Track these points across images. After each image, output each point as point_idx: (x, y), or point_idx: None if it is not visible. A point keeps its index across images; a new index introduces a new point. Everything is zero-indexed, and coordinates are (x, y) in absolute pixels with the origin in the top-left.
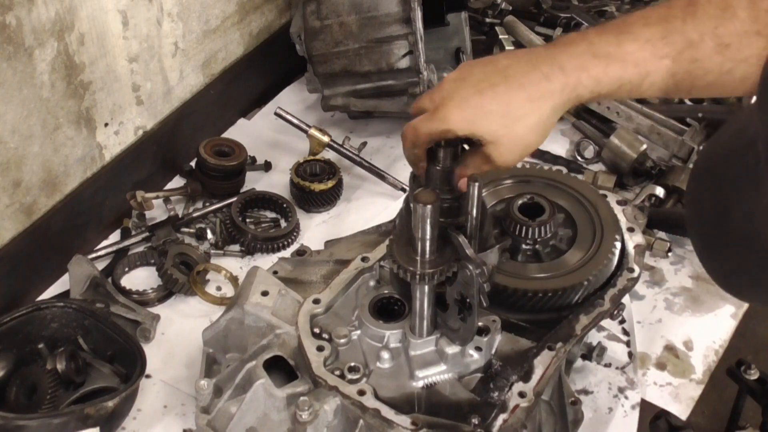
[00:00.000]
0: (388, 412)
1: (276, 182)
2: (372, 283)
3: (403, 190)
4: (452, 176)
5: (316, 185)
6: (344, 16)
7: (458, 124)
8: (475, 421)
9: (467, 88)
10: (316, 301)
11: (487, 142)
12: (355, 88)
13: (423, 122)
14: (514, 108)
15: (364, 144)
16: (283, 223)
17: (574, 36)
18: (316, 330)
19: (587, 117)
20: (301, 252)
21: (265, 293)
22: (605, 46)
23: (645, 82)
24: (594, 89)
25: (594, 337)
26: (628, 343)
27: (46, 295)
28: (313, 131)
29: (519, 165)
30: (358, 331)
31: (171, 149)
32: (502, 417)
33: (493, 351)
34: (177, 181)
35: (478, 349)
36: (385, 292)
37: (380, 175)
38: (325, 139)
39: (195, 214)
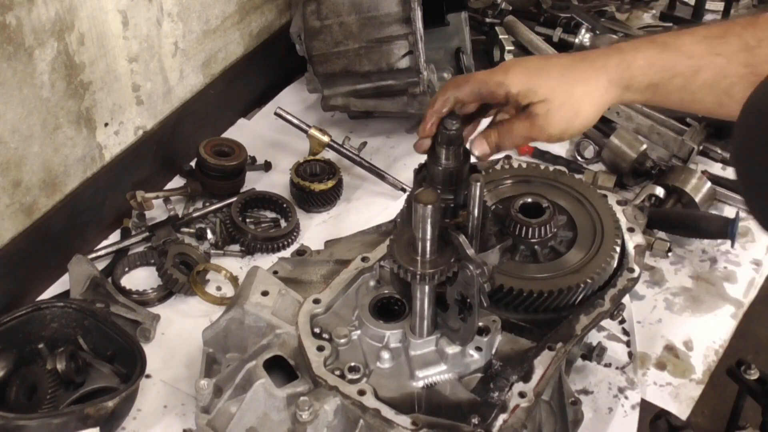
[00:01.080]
0: (388, 412)
1: (276, 182)
2: (372, 283)
3: (403, 190)
4: (454, 176)
5: (316, 185)
6: (344, 16)
7: (516, 77)
8: (475, 421)
9: (529, 59)
10: (316, 301)
11: (540, 101)
12: (355, 88)
13: (480, 72)
14: (576, 72)
15: (364, 144)
16: (283, 223)
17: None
18: (317, 330)
19: None
20: (301, 252)
21: (265, 293)
22: (664, 37)
23: (698, 78)
24: (647, 72)
25: (594, 337)
26: (628, 343)
27: (46, 295)
28: (313, 131)
29: (517, 164)
30: (358, 331)
31: (171, 149)
32: (502, 417)
33: (494, 351)
34: (177, 181)
35: (479, 349)
36: (385, 292)
37: (380, 175)
38: (325, 139)
39: (195, 214)
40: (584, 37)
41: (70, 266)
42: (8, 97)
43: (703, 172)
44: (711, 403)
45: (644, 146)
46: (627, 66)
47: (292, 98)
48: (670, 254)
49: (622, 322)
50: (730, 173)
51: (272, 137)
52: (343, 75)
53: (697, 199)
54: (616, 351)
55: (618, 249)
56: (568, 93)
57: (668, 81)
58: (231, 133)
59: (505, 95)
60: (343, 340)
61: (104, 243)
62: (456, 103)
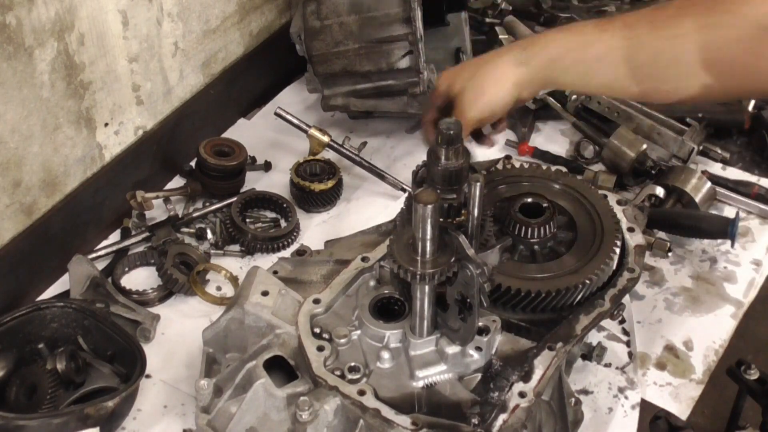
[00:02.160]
0: (388, 412)
1: (276, 182)
2: (372, 283)
3: (403, 190)
4: (454, 176)
5: (316, 185)
6: (344, 16)
7: (443, 78)
8: (475, 421)
9: (455, 68)
10: (316, 301)
11: (458, 90)
12: (355, 88)
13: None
14: (483, 60)
15: (364, 144)
16: (283, 223)
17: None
18: (317, 330)
19: (587, 117)
20: (301, 252)
21: (265, 293)
22: (560, 28)
23: (589, 52)
24: (544, 48)
25: (594, 337)
26: (628, 343)
27: (46, 295)
28: (313, 131)
29: (518, 165)
30: (358, 331)
31: (171, 149)
32: (502, 417)
33: (494, 351)
34: (177, 181)
35: (479, 349)
36: (385, 292)
37: (380, 175)
38: (325, 139)
39: (195, 214)
40: None
41: (70, 266)
42: (8, 97)
43: (703, 172)
44: (711, 403)
45: (644, 146)
46: (526, 45)
47: (292, 98)
48: (670, 254)
49: (622, 322)
50: (730, 173)
51: (272, 137)
52: (343, 75)
53: (697, 199)
54: (616, 351)
55: (618, 249)
56: (477, 78)
57: (564, 55)
58: (231, 133)
59: (443, 96)
60: (343, 340)
61: (104, 243)
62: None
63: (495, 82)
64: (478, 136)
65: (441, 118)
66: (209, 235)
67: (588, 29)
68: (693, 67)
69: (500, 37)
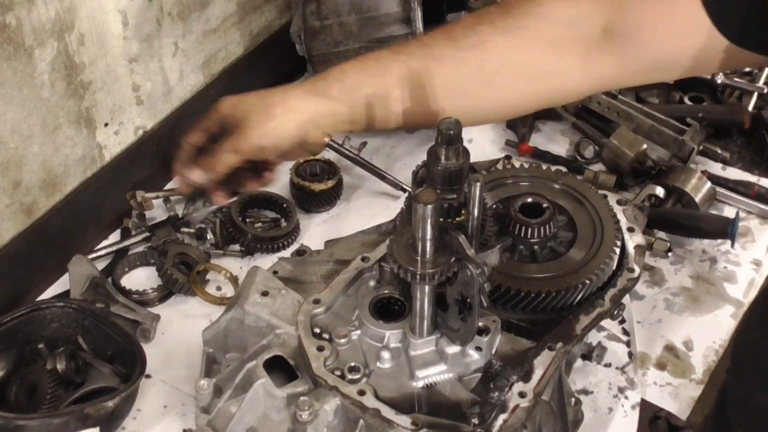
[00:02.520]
0: (388, 412)
1: (276, 182)
2: (372, 283)
3: (403, 190)
4: (454, 176)
5: (316, 185)
6: (344, 16)
7: (225, 103)
8: (475, 421)
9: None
10: (316, 301)
11: (242, 117)
12: None
13: (202, 116)
14: (273, 90)
15: (364, 144)
16: (283, 223)
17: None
18: (317, 330)
19: (587, 117)
20: (301, 252)
21: (265, 293)
22: (357, 58)
23: (389, 76)
24: (341, 78)
25: (594, 337)
26: (628, 343)
27: (46, 295)
28: None
29: (519, 165)
30: (358, 331)
31: (171, 149)
32: (502, 417)
33: (494, 351)
34: (177, 181)
35: (479, 349)
36: (385, 292)
37: (380, 175)
38: (326, 139)
39: (195, 214)
40: None
41: (70, 266)
42: (8, 97)
43: (703, 172)
44: (711, 403)
45: (644, 146)
46: (323, 77)
47: None
48: (670, 254)
49: (622, 322)
50: (730, 173)
51: None
52: None
53: (697, 199)
54: (616, 351)
55: (618, 249)
56: (267, 100)
57: (361, 82)
58: None
59: (221, 120)
60: (343, 340)
61: (104, 243)
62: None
63: (286, 109)
64: (254, 170)
65: (207, 147)
66: (209, 235)
67: (383, 54)
68: (498, 75)
69: None
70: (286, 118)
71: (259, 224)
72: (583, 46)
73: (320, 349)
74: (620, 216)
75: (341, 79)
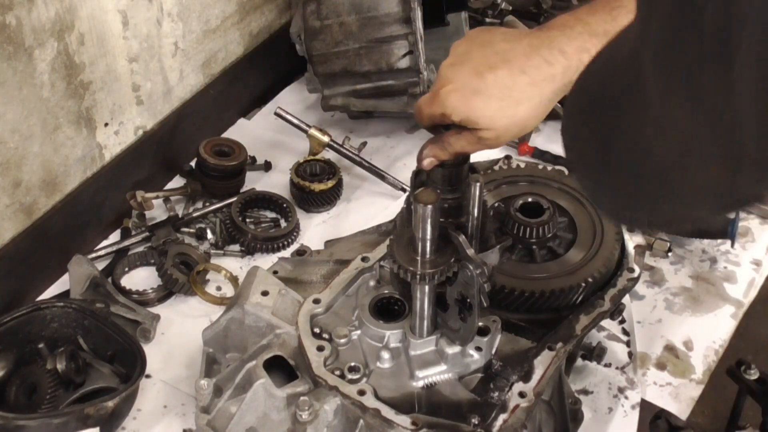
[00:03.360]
0: (388, 412)
1: (276, 182)
2: (372, 283)
3: (403, 190)
4: (454, 176)
5: (316, 185)
6: (344, 16)
7: (456, 108)
8: (475, 421)
9: (466, 72)
10: (316, 301)
11: (482, 127)
12: (355, 88)
13: (424, 103)
14: (516, 92)
15: (364, 144)
16: (283, 223)
17: (567, 17)
18: (316, 330)
19: None
20: (301, 252)
21: (265, 293)
22: (601, 23)
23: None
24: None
25: (594, 337)
26: (628, 343)
27: (46, 295)
28: (313, 131)
29: (517, 165)
30: (358, 331)
31: (171, 149)
32: (502, 417)
33: (494, 351)
34: (177, 181)
35: (479, 349)
36: (385, 292)
37: (380, 175)
38: (325, 139)
39: (195, 214)
40: None
41: (70, 266)
42: (8, 97)
43: None
44: (711, 403)
45: None
46: (574, 71)
47: (292, 98)
48: (670, 254)
49: (622, 322)
50: None
51: (272, 137)
52: (343, 75)
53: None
54: (616, 351)
55: (618, 249)
56: (511, 117)
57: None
58: (231, 133)
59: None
60: (343, 340)
61: (104, 243)
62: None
63: (537, 106)
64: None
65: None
66: (209, 235)
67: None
68: None
69: None
70: (536, 121)
71: (259, 224)
72: None
73: (320, 349)
74: None
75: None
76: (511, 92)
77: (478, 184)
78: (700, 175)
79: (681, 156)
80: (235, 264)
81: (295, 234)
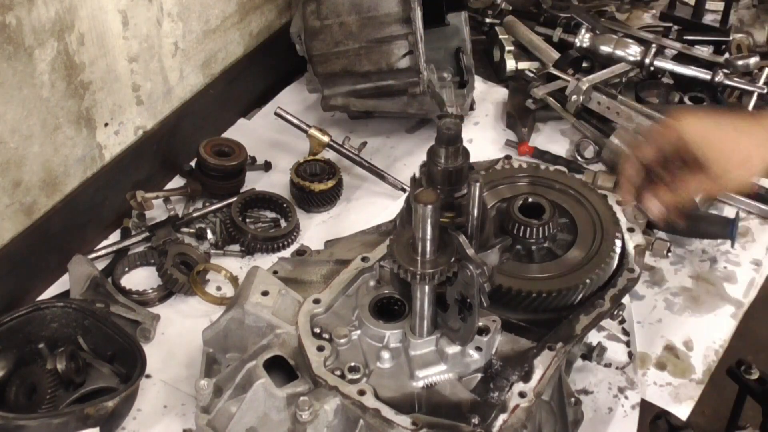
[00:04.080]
0: (388, 412)
1: (276, 182)
2: (372, 283)
3: (403, 190)
4: (454, 176)
5: (316, 185)
6: (344, 16)
7: (693, 128)
8: (475, 421)
9: (700, 117)
10: (316, 301)
11: (715, 155)
12: (355, 88)
13: (653, 128)
14: (744, 126)
15: (364, 144)
16: (283, 223)
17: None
18: (317, 330)
19: (587, 117)
20: (301, 252)
21: (265, 293)
22: None
23: None
24: None
25: (594, 337)
26: (628, 343)
27: (46, 295)
28: (313, 131)
29: (517, 165)
30: (358, 331)
31: (171, 149)
32: (502, 417)
33: (494, 351)
34: (177, 181)
35: (479, 349)
36: (385, 292)
37: (380, 175)
38: (325, 139)
39: (195, 214)
40: (584, 37)
41: (70, 266)
42: (8, 97)
43: None
44: (711, 403)
45: None
46: None
47: (292, 98)
48: (670, 254)
49: (622, 322)
50: None
51: (272, 137)
52: (343, 75)
53: (697, 199)
54: (616, 351)
55: (618, 249)
56: (741, 147)
57: None
58: (231, 133)
59: (679, 148)
60: (343, 340)
61: (104, 243)
62: (636, 181)
63: (760, 155)
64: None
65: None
66: (209, 235)
67: None
68: None
69: (500, 37)
70: (761, 162)
71: (259, 224)
72: None
73: (320, 349)
74: (620, 216)
75: None
76: (742, 126)
77: (477, 184)
78: None
79: None
80: (235, 264)
81: (295, 234)
